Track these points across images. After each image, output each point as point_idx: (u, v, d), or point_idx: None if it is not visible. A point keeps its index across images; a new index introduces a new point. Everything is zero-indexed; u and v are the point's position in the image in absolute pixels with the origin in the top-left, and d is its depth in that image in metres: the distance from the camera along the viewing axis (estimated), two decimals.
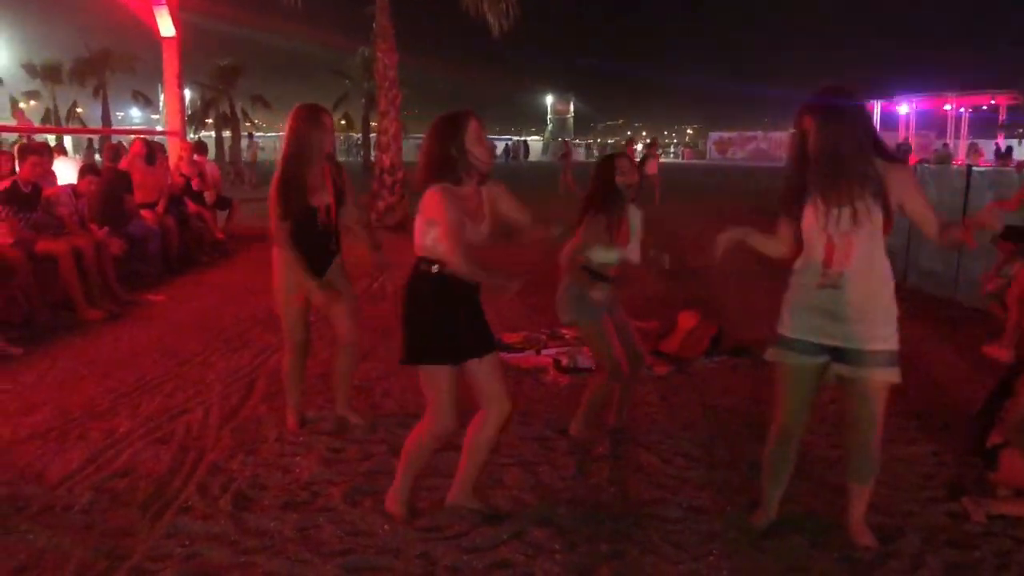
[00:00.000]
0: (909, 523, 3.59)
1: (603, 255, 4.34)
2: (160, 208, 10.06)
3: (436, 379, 3.39)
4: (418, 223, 3.34)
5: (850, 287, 3.14)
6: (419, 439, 3.53)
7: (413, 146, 22.26)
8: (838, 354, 3.22)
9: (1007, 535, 3.49)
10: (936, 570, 3.22)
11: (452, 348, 3.37)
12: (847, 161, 3.10)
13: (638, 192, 4.49)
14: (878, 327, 3.17)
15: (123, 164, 10.00)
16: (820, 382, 3.33)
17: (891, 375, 3.20)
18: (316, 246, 4.47)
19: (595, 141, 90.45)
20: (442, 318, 3.34)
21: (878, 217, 3.09)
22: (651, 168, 20.98)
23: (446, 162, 3.29)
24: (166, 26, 13.13)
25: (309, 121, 4.36)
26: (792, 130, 3.30)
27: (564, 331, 6.70)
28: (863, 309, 3.16)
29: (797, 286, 3.32)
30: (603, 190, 4.35)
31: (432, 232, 3.27)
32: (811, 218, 3.19)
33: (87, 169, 9.39)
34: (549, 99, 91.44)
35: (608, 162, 4.44)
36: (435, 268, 3.30)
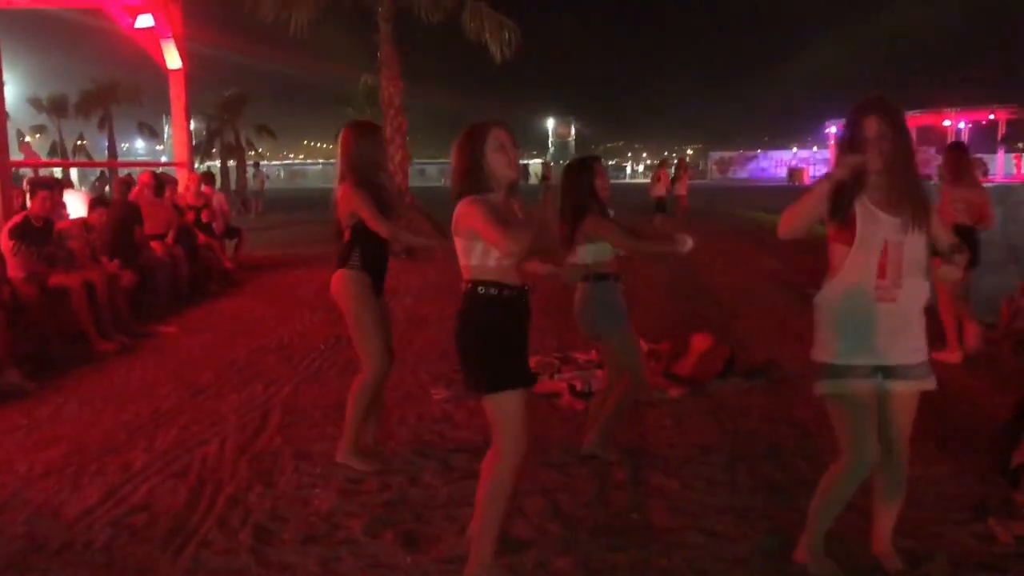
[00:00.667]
0: (936, 545, 3.56)
1: (602, 252, 4.39)
2: (169, 239, 10.09)
3: (515, 404, 3.18)
4: (459, 245, 3.23)
5: (904, 299, 3.06)
6: (499, 475, 3.20)
7: (417, 171, 22.38)
8: (886, 372, 3.12)
9: None
10: None
11: (527, 368, 3.29)
12: (915, 166, 3.09)
13: (664, 209, 4.61)
14: (921, 338, 3.13)
15: (131, 196, 10.04)
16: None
17: (931, 384, 3.16)
18: (382, 259, 4.61)
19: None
20: (514, 339, 3.24)
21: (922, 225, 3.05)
22: (681, 189, 21.43)
23: (471, 172, 3.21)
24: (173, 59, 13.24)
25: (366, 135, 4.59)
26: (842, 131, 3.20)
27: (577, 355, 6.68)
28: (912, 321, 3.11)
29: (844, 306, 3.12)
30: (590, 191, 4.41)
31: (478, 246, 3.16)
32: (870, 225, 3.04)
33: (97, 202, 9.45)
34: (550, 122, 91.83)
35: (589, 167, 4.53)
36: (494, 290, 3.18)
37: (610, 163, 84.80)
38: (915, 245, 3.04)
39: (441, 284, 10.71)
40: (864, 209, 3.04)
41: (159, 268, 9.45)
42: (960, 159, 7.16)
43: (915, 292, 3.09)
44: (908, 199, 3.04)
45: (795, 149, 70.89)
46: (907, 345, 3.11)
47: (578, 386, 5.89)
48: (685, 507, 4.02)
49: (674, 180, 21.55)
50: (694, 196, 24.03)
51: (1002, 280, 7.85)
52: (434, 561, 3.48)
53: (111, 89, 44.89)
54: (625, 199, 24.91)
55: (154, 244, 9.68)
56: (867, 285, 3.05)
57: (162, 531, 3.79)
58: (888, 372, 3.11)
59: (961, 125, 41.86)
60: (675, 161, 24.56)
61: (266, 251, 14.38)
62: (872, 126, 3.02)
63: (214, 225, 11.84)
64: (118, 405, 5.79)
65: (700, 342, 6.55)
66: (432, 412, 5.58)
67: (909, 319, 3.10)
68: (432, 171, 66.86)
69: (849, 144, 3.07)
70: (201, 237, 11.13)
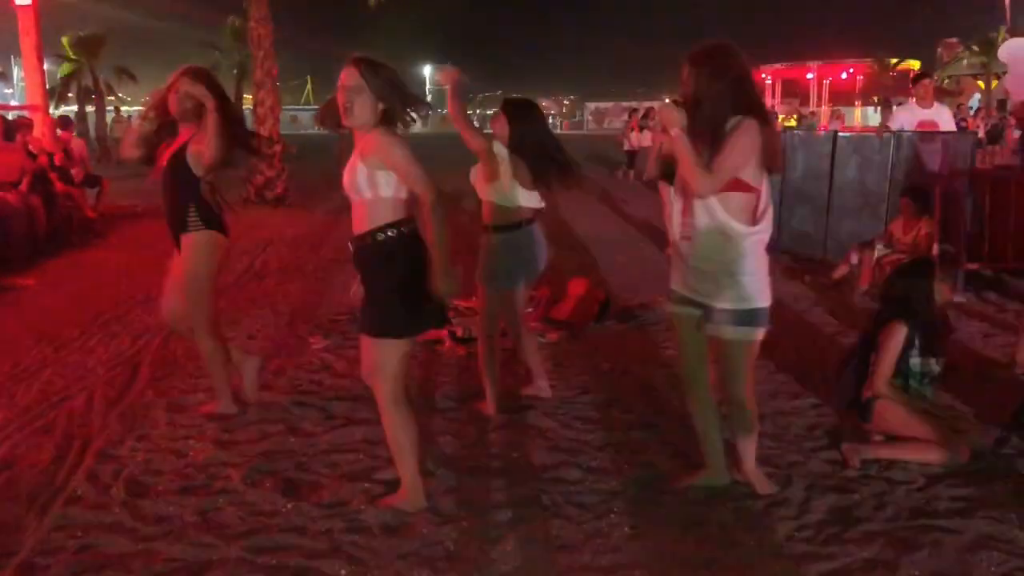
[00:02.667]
0: (795, 472, 3.79)
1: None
2: (24, 187, 9.50)
3: (399, 351, 3.26)
4: (361, 178, 3.18)
5: (698, 240, 3.32)
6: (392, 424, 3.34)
7: (289, 118, 21.68)
8: (701, 309, 3.40)
9: (882, 477, 3.73)
10: (820, 513, 3.41)
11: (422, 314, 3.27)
12: (717, 111, 3.26)
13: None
14: (730, 287, 3.27)
15: None
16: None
17: (725, 332, 3.32)
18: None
19: (475, 112, 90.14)
20: (417, 283, 3.19)
21: None
22: (649, 139, 19.74)
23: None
24: None
25: None
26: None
27: (458, 302, 6.70)
28: (714, 266, 3.30)
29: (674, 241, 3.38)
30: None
31: (386, 177, 3.15)
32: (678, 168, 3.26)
33: None
34: (427, 70, 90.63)
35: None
36: (404, 228, 3.18)
37: (488, 113, 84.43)
38: None
39: (313, 234, 10.50)
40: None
41: (13, 217, 8.91)
42: None
43: (711, 236, 3.23)
44: (707, 144, 3.18)
45: (667, 99, 72.07)
46: (707, 287, 3.28)
47: (459, 332, 5.92)
48: (564, 445, 4.14)
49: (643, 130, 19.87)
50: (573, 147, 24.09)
51: (857, 226, 8.28)
52: (315, 506, 3.48)
53: None
54: None
55: (5, 193, 9.11)
56: (678, 225, 3.34)
57: (27, 488, 3.63)
58: (702, 310, 3.33)
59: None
60: (643, 111, 22.26)
61: (130, 200, 13.72)
62: (683, 71, 3.23)
63: (73, 172, 11.22)
64: None
65: (576, 287, 6.68)
66: (310, 362, 5.52)
67: (710, 262, 3.25)
68: (305, 118, 64.99)
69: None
70: (59, 185, 10.53)
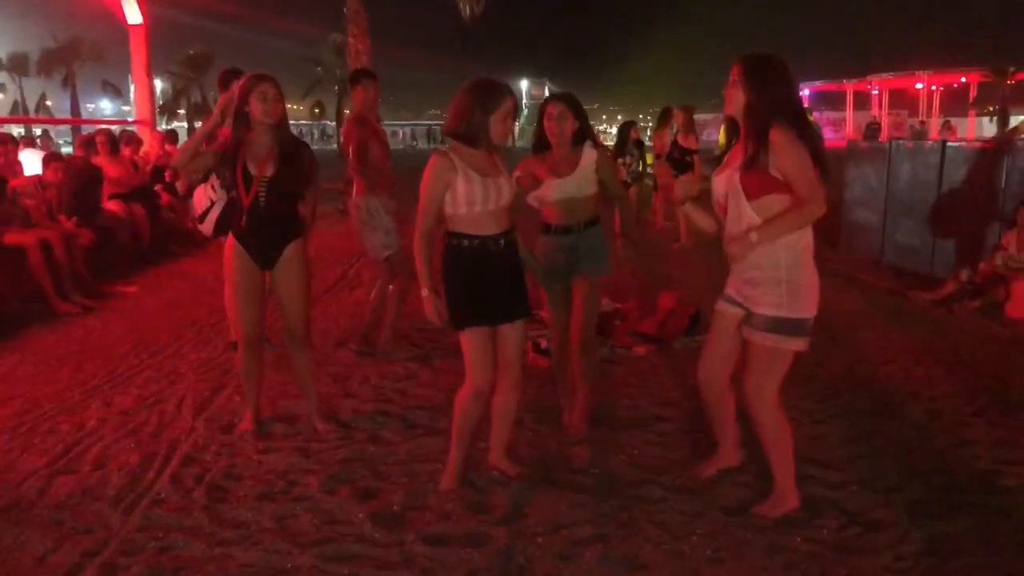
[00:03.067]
0: (894, 497, 3.57)
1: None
2: (120, 201, 9.84)
3: (474, 339, 3.50)
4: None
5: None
6: (463, 404, 3.60)
7: (388, 134, 22.03)
8: None
9: (989, 506, 3.48)
10: (918, 543, 3.19)
11: (484, 311, 3.51)
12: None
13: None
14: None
15: (98, 160, 9.79)
16: None
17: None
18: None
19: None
20: (473, 285, 3.49)
21: None
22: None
23: (472, 124, 3.44)
24: (133, 14, 12.91)
25: None
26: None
27: (543, 313, 6.63)
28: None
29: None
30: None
31: (447, 198, 3.44)
32: None
33: (51, 157, 9.20)
34: (524, 84, 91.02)
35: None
36: (459, 241, 3.48)
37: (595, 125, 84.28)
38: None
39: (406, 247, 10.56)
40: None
41: (119, 228, 9.27)
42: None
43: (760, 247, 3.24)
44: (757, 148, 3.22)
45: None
46: (752, 292, 3.31)
47: (543, 344, 5.84)
48: (646, 462, 4.01)
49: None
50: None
51: (966, 240, 7.88)
52: (389, 515, 3.45)
53: (73, 46, 43.94)
54: None
55: (113, 204, 9.48)
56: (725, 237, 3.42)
57: (114, 489, 3.72)
58: (745, 312, 3.39)
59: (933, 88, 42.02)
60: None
61: None
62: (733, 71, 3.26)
63: (177, 185, 11.60)
64: (75, 365, 5.68)
65: (666, 301, 6.54)
66: (395, 371, 5.52)
67: (759, 269, 3.25)
68: (405, 133, 66.12)
69: None
70: (164, 197, 10.92)
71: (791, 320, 3.21)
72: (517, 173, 4.03)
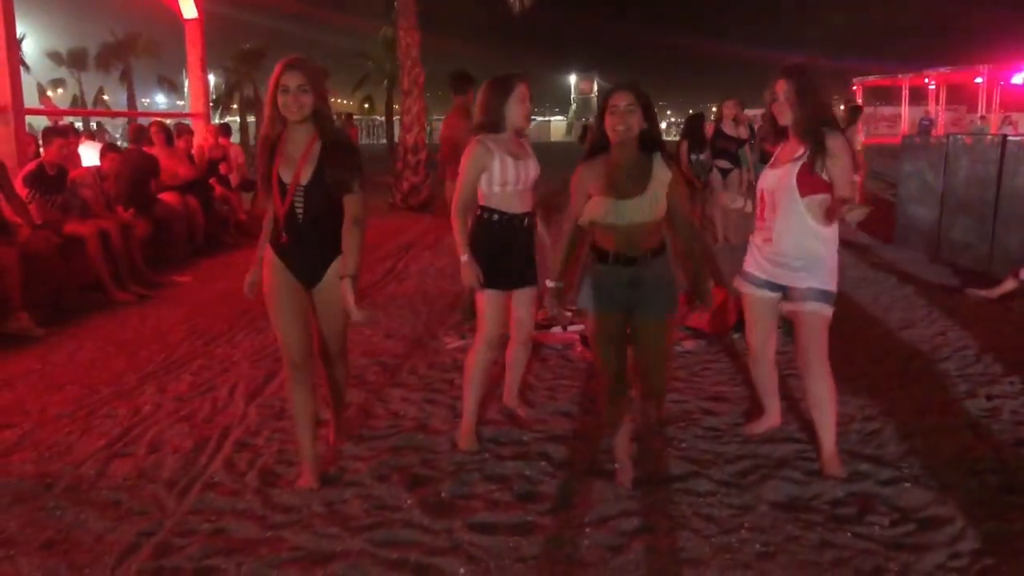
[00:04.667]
0: (950, 494, 3.51)
1: None
2: (177, 193, 10.02)
3: (491, 299, 3.99)
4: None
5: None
6: (475, 356, 4.07)
7: (437, 126, 22.20)
8: None
9: None
10: (975, 541, 3.13)
11: (503, 277, 4.00)
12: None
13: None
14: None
15: (153, 149, 9.99)
16: None
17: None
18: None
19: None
20: (499, 255, 3.97)
21: None
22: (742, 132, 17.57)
23: (492, 114, 3.95)
24: (189, 8, 13.10)
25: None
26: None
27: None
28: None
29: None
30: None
31: (482, 177, 3.93)
32: None
33: (108, 148, 9.41)
34: (572, 78, 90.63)
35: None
36: (491, 216, 3.96)
37: None
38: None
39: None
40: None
41: (175, 219, 9.45)
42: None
43: (803, 236, 3.73)
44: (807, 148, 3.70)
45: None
46: (791, 274, 3.78)
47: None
48: (695, 456, 3.98)
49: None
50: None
51: None
52: (437, 502, 3.48)
53: (130, 42, 44.83)
54: None
55: (168, 195, 9.66)
56: (757, 229, 3.98)
57: (169, 472, 3.80)
58: (781, 292, 3.88)
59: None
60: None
61: None
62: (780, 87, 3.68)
63: (230, 177, 11.80)
64: (131, 352, 5.81)
65: (715, 295, 6.47)
66: (443, 360, 5.56)
67: (799, 259, 3.74)
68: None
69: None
70: (218, 189, 11.10)
71: (831, 292, 3.71)
72: (573, 190, 3.54)
